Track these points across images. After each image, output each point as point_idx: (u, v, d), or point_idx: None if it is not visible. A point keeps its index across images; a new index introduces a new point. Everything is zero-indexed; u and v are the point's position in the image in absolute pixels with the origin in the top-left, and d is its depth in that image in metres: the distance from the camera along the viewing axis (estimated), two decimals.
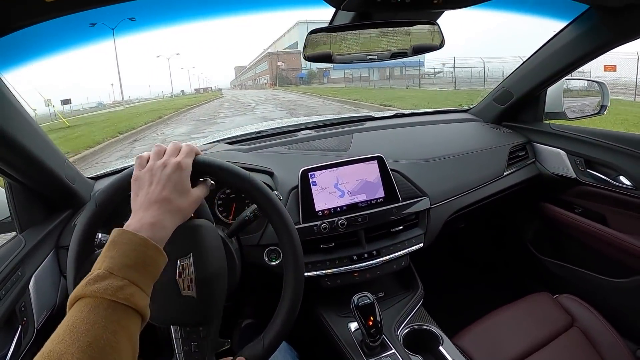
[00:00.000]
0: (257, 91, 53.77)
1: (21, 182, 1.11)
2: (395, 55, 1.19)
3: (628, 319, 1.50)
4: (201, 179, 0.82)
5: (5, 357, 0.96)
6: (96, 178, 1.45)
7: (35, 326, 1.08)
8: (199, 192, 0.78)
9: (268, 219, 0.86)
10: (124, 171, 0.83)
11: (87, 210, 0.83)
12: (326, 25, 1.19)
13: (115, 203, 0.83)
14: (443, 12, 1.19)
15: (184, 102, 36.64)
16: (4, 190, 1.20)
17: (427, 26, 1.19)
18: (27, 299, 1.07)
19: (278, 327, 0.84)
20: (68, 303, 0.57)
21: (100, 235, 0.91)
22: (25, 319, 1.05)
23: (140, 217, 0.67)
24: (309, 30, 1.12)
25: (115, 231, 0.64)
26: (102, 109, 44.45)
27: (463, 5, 1.11)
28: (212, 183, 0.85)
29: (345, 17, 1.14)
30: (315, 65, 61.77)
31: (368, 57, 1.18)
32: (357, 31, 1.19)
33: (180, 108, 26.14)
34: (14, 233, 1.19)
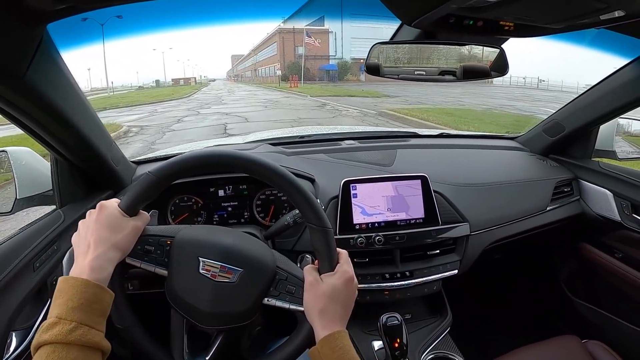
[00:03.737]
0: (264, 92, 29.01)
1: (68, 159, 1.11)
2: (444, 73, 1.15)
3: None
4: (141, 211, 0.80)
5: (32, 328, 0.97)
6: (139, 162, 1.44)
7: None
8: (135, 222, 0.77)
9: (307, 224, 0.81)
10: (202, 152, 0.80)
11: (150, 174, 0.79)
12: None
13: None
14: (508, 38, 1.12)
15: None
16: (47, 163, 1.19)
17: (489, 50, 1.14)
18: (60, 273, 1.07)
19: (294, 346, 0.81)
20: (31, 350, 0.61)
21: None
22: None
23: (79, 263, 0.70)
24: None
25: (59, 280, 0.66)
26: None
27: (532, 35, 1.05)
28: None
29: (410, 33, 1.09)
30: (349, 54, 43.77)
31: (416, 73, 1.15)
32: (409, 46, 1.15)
33: None
34: (53, 207, 1.19)
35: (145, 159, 1.49)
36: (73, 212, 1.14)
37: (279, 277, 0.81)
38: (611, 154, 1.69)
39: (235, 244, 0.81)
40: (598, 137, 1.72)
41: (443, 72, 1.17)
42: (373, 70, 1.14)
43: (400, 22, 1.07)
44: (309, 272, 0.79)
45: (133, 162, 1.42)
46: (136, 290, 1.18)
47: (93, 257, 0.69)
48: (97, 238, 0.72)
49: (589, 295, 1.75)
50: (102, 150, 1.13)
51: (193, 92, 32.55)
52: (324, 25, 45.84)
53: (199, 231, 0.84)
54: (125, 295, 0.79)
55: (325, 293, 0.75)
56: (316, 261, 0.81)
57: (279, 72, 42.30)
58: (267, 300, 0.80)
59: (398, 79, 1.19)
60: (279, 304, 0.80)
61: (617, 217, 1.56)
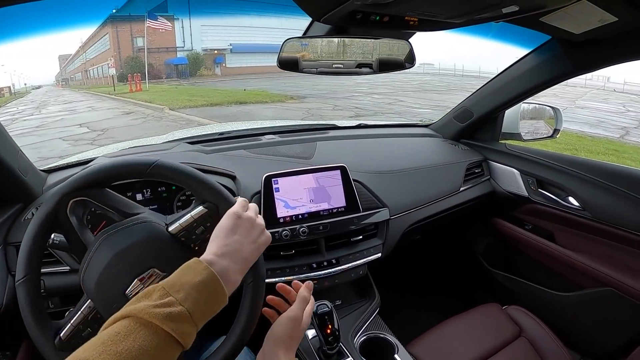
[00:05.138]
0: (90, 103, 17.97)
1: None
2: (361, 66, 1.17)
3: (572, 330, 1.52)
4: None
5: None
6: (49, 171, 1.34)
7: None
8: None
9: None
10: (103, 164, 0.78)
11: (54, 194, 0.76)
12: None
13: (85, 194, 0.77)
14: (415, 32, 1.17)
15: None
16: None
17: (399, 43, 1.17)
18: None
19: (228, 349, 0.77)
20: (125, 313, 0.54)
21: (53, 235, 0.82)
22: None
23: (229, 268, 0.65)
24: None
25: (206, 272, 0.61)
26: None
27: (436, 29, 1.10)
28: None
29: (321, 29, 1.10)
30: (200, 45, 32.92)
31: (334, 66, 1.16)
32: (326, 40, 1.16)
33: None
34: None
35: (56, 166, 1.38)
36: None
37: None
38: (516, 136, 1.81)
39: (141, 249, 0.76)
40: (504, 121, 1.83)
41: (360, 65, 1.19)
42: (288, 65, 1.13)
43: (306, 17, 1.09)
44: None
45: (43, 170, 1.32)
46: (57, 307, 1.11)
47: (241, 272, 0.68)
48: (253, 261, 0.72)
49: (505, 265, 1.86)
50: (8, 160, 1.04)
51: None
52: (167, 12, 32.36)
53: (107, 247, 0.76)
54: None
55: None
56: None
57: (112, 71, 28.26)
58: None
59: (317, 73, 1.18)
60: None
61: (525, 193, 1.67)
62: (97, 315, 0.74)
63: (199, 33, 33.98)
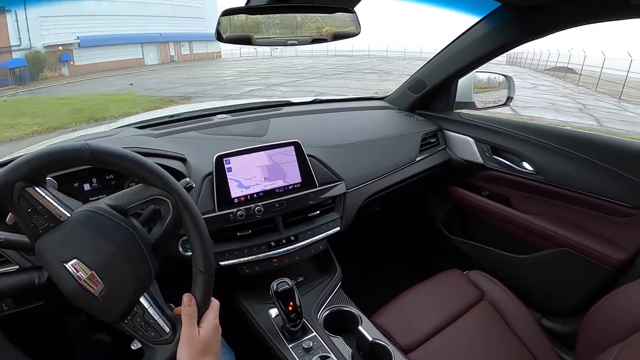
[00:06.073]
0: None
1: None
2: (316, 41, 1.15)
3: (531, 291, 1.56)
4: None
5: None
6: None
7: None
8: None
9: (194, 267, 0.74)
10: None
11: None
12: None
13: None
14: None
15: None
16: None
17: (346, 13, 1.14)
18: None
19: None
20: None
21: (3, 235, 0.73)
22: None
23: None
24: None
25: None
26: None
27: None
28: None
29: None
30: (40, 41, 25.01)
31: (288, 42, 1.13)
32: (277, 15, 1.12)
33: None
34: None
35: None
36: None
37: (137, 310, 0.72)
38: (470, 105, 1.81)
39: (113, 256, 0.69)
40: (458, 91, 1.82)
41: (315, 40, 1.15)
42: (240, 41, 1.10)
43: None
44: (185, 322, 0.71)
45: None
46: (11, 309, 1.03)
47: None
48: None
49: (464, 232, 1.89)
50: None
51: None
52: None
53: (89, 222, 0.69)
54: None
55: (200, 345, 0.70)
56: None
57: None
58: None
59: (270, 44, 1.16)
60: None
61: (480, 160, 1.69)
62: None
63: (38, 26, 25.99)
